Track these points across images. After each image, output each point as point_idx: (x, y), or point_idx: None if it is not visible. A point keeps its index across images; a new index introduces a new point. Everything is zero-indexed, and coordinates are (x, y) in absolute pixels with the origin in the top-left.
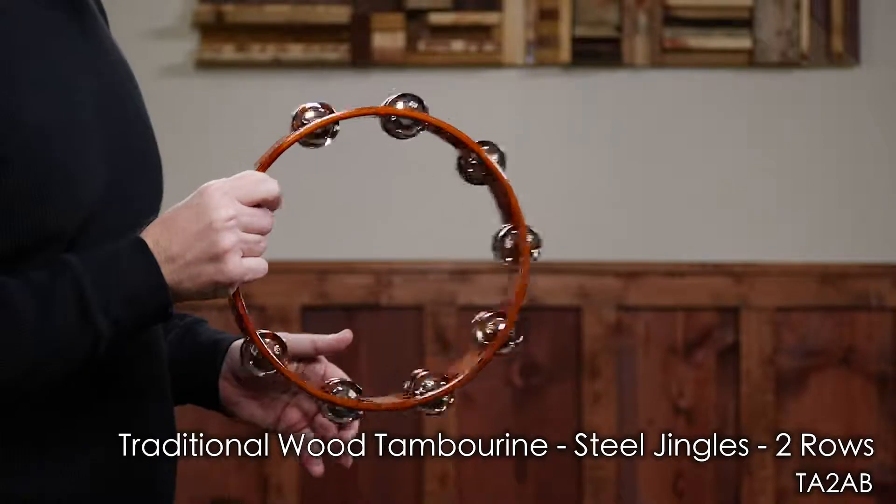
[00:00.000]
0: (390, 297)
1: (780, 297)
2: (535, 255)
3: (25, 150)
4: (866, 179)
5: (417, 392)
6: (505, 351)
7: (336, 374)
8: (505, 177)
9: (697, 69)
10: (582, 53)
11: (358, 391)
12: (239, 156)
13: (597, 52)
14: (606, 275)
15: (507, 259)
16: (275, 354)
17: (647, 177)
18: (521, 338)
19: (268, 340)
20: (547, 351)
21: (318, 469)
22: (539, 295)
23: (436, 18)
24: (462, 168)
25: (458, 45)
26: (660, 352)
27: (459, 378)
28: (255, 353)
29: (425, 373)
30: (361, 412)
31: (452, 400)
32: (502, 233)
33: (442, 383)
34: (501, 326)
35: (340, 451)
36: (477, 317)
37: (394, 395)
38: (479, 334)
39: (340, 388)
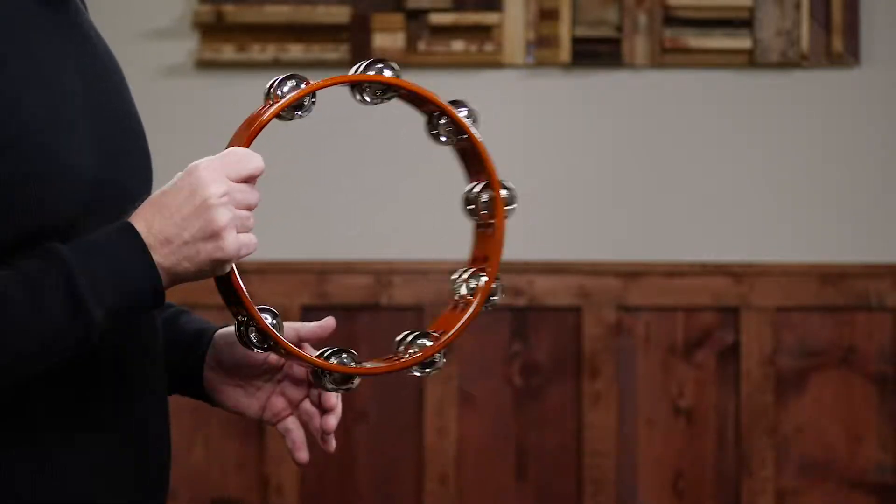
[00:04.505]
0: (390, 297)
1: (780, 297)
2: (510, 208)
3: (17, 143)
4: (866, 179)
5: (408, 354)
6: (488, 306)
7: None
8: (475, 132)
9: (697, 69)
10: (582, 53)
11: (353, 357)
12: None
13: (597, 52)
14: (606, 275)
15: (482, 213)
16: (271, 326)
17: (646, 177)
18: (502, 292)
19: (262, 316)
20: (547, 351)
21: (302, 455)
22: (539, 295)
23: (436, 18)
24: (432, 129)
25: (458, 45)
26: (660, 352)
27: (447, 336)
28: (248, 332)
29: (415, 334)
30: (357, 379)
31: (444, 360)
32: (477, 188)
33: (428, 343)
34: (483, 281)
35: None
36: (455, 274)
37: (382, 359)
38: (463, 290)
39: (336, 357)
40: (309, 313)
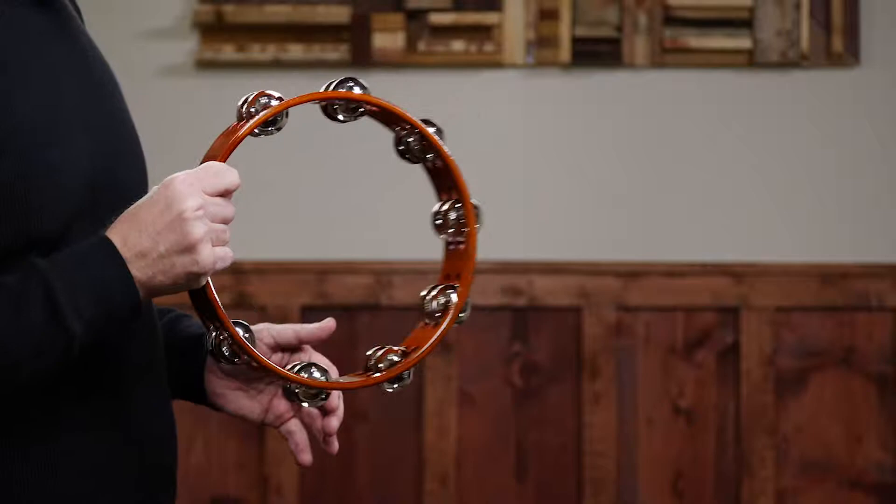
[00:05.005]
0: (390, 297)
1: (780, 297)
2: (478, 225)
3: (13, 146)
4: (866, 179)
5: (380, 368)
6: (456, 324)
7: (321, 361)
8: (446, 149)
9: (697, 69)
10: (582, 53)
11: (324, 372)
12: (238, 156)
13: (597, 52)
14: (606, 275)
15: (450, 231)
16: (245, 339)
17: (647, 177)
18: (469, 308)
19: (236, 330)
20: (547, 351)
21: (306, 458)
22: (539, 295)
23: (436, 18)
24: (400, 146)
25: (458, 45)
26: (660, 352)
27: (419, 353)
28: (215, 345)
29: (384, 349)
30: (326, 392)
31: (411, 376)
32: (445, 206)
33: (399, 359)
34: (454, 297)
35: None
36: (425, 291)
37: (354, 374)
38: (433, 305)
39: (308, 371)
40: (309, 313)
